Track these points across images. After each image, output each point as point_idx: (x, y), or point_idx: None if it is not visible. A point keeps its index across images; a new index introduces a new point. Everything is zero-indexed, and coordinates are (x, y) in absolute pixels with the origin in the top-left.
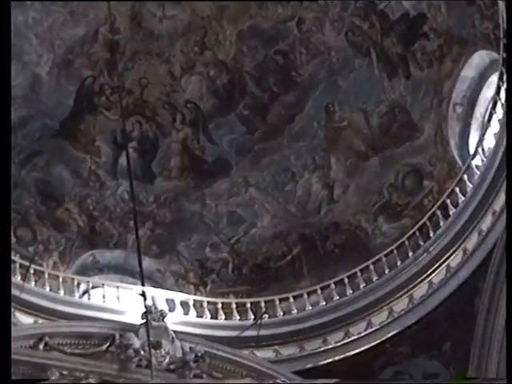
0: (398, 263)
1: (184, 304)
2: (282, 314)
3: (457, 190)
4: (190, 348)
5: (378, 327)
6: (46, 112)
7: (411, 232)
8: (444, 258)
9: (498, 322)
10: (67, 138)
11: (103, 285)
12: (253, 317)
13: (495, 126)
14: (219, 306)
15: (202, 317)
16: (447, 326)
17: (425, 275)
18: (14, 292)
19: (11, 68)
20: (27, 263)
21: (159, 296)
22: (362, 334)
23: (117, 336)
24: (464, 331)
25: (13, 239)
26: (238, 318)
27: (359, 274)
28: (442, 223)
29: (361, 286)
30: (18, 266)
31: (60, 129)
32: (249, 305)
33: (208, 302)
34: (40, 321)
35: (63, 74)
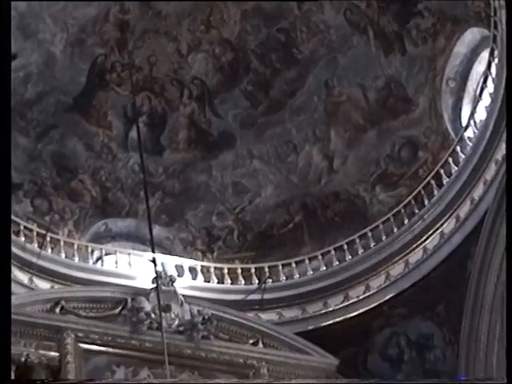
0: (395, 230)
1: (192, 269)
2: (284, 278)
3: (450, 160)
4: (198, 311)
5: (375, 291)
6: (60, 88)
7: (407, 200)
8: (438, 225)
9: (488, 285)
10: (80, 113)
11: (115, 252)
12: (257, 281)
13: (486, 100)
14: (225, 271)
15: (209, 281)
16: (441, 288)
17: (420, 241)
18: (32, 259)
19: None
20: (44, 232)
21: (168, 262)
22: (361, 297)
23: (129, 300)
24: (457, 294)
25: (30, 209)
26: (243, 282)
27: (358, 240)
28: (435, 192)
29: (359, 252)
30: (35, 234)
31: (74, 104)
32: (253, 270)
33: (215, 268)
34: (56, 286)
35: (76, 52)
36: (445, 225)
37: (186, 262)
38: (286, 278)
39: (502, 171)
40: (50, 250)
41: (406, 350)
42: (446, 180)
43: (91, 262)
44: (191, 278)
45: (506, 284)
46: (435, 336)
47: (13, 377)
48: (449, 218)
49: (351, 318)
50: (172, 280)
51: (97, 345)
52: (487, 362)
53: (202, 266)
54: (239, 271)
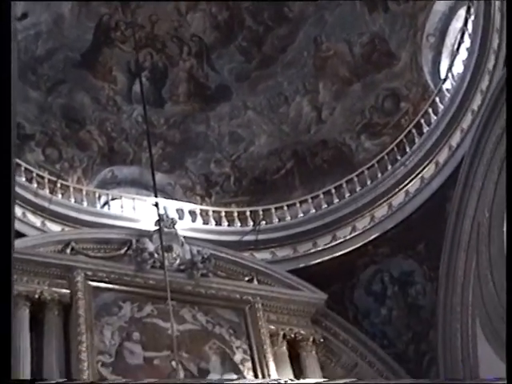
0: (379, 175)
1: (192, 213)
2: (277, 220)
3: (429, 110)
4: (198, 251)
5: (361, 231)
6: (68, 45)
7: (390, 148)
8: (418, 170)
9: (465, 225)
10: (87, 69)
11: (121, 197)
12: (252, 223)
13: (463, 54)
14: (222, 214)
15: (207, 224)
16: (421, 229)
17: (402, 185)
18: (44, 203)
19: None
20: (54, 179)
21: (170, 206)
22: (347, 238)
23: (133, 241)
24: (436, 233)
25: (41, 158)
26: (239, 224)
27: (344, 185)
28: (416, 140)
29: (346, 196)
30: (46, 181)
31: (81, 60)
32: (248, 213)
33: (213, 211)
34: (66, 228)
35: (83, 11)
36: (425, 170)
37: (186, 206)
38: (279, 220)
39: (478, 120)
40: (60, 196)
41: (389, 285)
42: (426, 129)
43: (99, 206)
44: (191, 221)
45: (506, 284)
46: (416, 273)
47: (27, 313)
48: (428, 163)
49: (338, 256)
50: (173, 222)
51: (104, 282)
52: (463, 296)
53: (200, 210)
54: (235, 214)
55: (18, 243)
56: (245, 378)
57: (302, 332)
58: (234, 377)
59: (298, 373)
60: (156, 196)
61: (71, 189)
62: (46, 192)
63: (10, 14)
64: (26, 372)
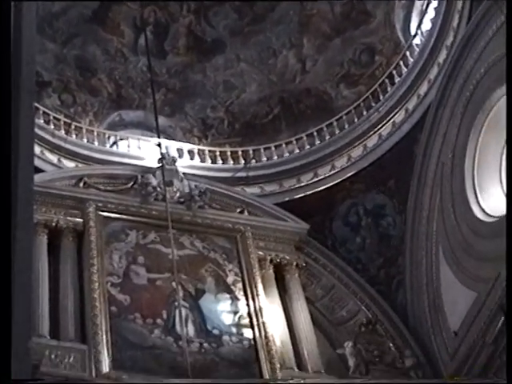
0: (355, 120)
1: (190, 152)
2: (265, 159)
3: (401, 63)
4: (195, 185)
5: (339, 169)
6: (81, 3)
7: (365, 96)
8: (390, 116)
9: (430, 165)
10: (98, 24)
11: (128, 137)
12: (243, 161)
13: (431, 13)
14: (217, 153)
15: (204, 162)
16: (392, 167)
17: (375, 129)
18: (60, 143)
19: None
20: (69, 121)
21: (171, 146)
22: (327, 175)
23: (139, 176)
24: (405, 172)
25: (58, 102)
26: (231, 162)
27: (325, 128)
28: (389, 89)
29: (326, 138)
30: (62, 123)
31: (93, 16)
32: (240, 152)
33: (209, 151)
34: (80, 165)
35: None
36: (396, 116)
37: (185, 146)
38: (267, 159)
39: (443, 72)
40: (74, 136)
41: (363, 217)
42: (397, 79)
43: (108, 145)
44: (189, 159)
45: (505, 284)
46: (387, 206)
47: (46, 239)
48: (399, 110)
49: (319, 191)
50: (174, 160)
51: (113, 212)
52: (428, 227)
53: (198, 149)
54: (228, 153)
55: (37, 178)
56: (237, 298)
57: (287, 257)
58: (227, 296)
59: (283, 293)
60: (159, 137)
61: (84, 130)
62: (62, 133)
63: (9, 14)
64: (44, 291)
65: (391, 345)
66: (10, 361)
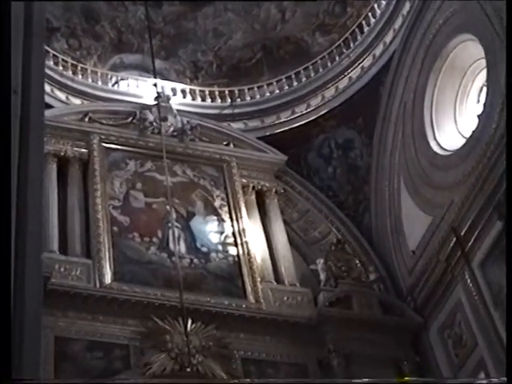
0: (329, 64)
1: (183, 91)
2: (249, 98)
3: (369, 14)
4: (187, 121)
5: (314, 108)
6: None
7: (338, 43)
8: (360, 61)
9: (394, 104)
10: None
11: (128, 78)
12: (229, 100)
13: None
14: (207, 92)
15: (195, 100)
16: (361, 106)
17: (346, 72)
18: (67, 82)
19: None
20: (76, 63)
21: (166, 86)
22: (303, 112)
23: (137, 112)
24: (372, 110)
25: (65, 46)
26: (219, 101)
27: (302, 71)
28: (358, 37)
29: (303, 80)
30: (69, 64)
31: None
32: (227, 92)
33: (199, 90)
34: (85, 102)
35: None
36: (364, 61)
37: (178, 86)
38: (250, 98)
39: (406, 22)
40: (80, 76)
41: (334, 150)
42: (366, 28)
43: (110, 85)
44: (182, 97)
45: (506, 285)
46: (356, 140)
47: (55, 168)
48: (367, 56)
49: (296, 127)
50: (168, 98)
51: (114, 144)
52: (391, 159)
53: (189, 89)
54: (217, 93)
55: (47, 113)
56: (223, 219)
57: (267, 185)
58: (214, 218)
59: (263, 216)
60: (155, 77)
61: (89, 71)
62: (69, 73)
63: (9, 14)
64: (53, 213)
65: (357, 261)
66: (10, 361)
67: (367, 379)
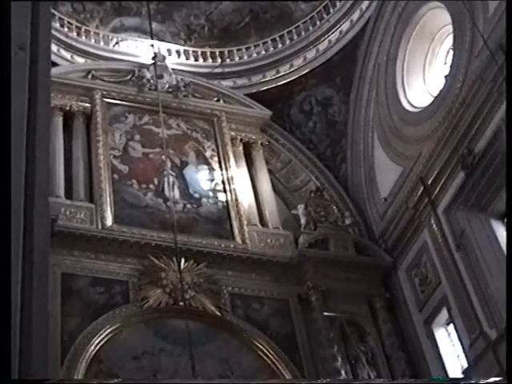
0: (310, 28)
1: (177, 52)
2: (237, 58)
3: None
4: (181, 79)
5: (296, 68)
6: None
7: (318, 9)
8: (338, 25)
9: (369, 65)
10: None
11: (127, 39)
12: (220, 60)
13: None
14: (199, 53)
15: (188, 59)
16: (339, 67)
17: (326, 36)
18: (72, 42)
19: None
20: (80, 25)
21: (162, 47)
22: (287, 72)
23: (136, 71)
24: (349, 70)
25: (70, 9)
26: (210, 60)
27: (286, 34)
28: (337, 4)
29: (286, 42)
30: (74, 26)
31: None
32: (217, 53)
33: (192, 51)
34: (88, 61)
35: None
36: (343, 25)
37: (173, 47)
38: (239, 58)
39: None
40: (84, 37)
41: (315, 106)
42: None
43: (111, 45)
44: (177, 57)
45: (506, 284)
46: (334, 98)
47: (61, 121)
48: (345, 21)
49: (280, 85)
50: (164, 58)
51: (115, 99)
52: (366, 115)
53: (183, 50)
54: (208, 53)
55: (53, 71)
56: (213, 168)
57: (253, 137)
58: (205, 167)
59: (250, 165)
60: (152, 39)
61: (92, 32)
62: (74, 34)
63: (9, 14)
64: (59, 161)
65: (334, 207)
66: (10, 361)
67: (368, 379)
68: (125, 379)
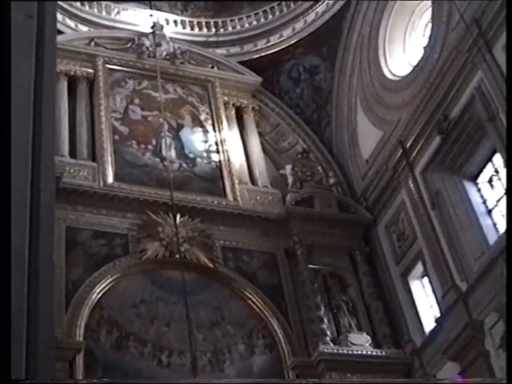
0: (299, 1)
1: (175, 21)
2: (231, 28)
3: None
4: (178, 47)
5: (285, 37)
6: None
7: None
8: None
9: (353, 36)
10: None
11: (128, 9)
12: (214, 30)
13: None
14: (195, 23)
15: (185, 29)
16: (325, 38)
17: (314, 8)
18: (76, 12)
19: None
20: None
21: (160, 16)
22: (277, 41)
23: (136, 39)
24: (335, 41)
25: None
26: (205, 30)
27: (276, 6)
28: None
29: (276, 14)
30: None
31: None
32: (212, 23)
33: (189, 21)
34: (91, 29)
35: None
36: None
37: (171, 17)
38: (232, 28)
39: None
40: (87, 7)
41: (302, 73)
42: None
43: (113, 14)
44: (174, 27)
45: (506, 283)
46: (320, 66)
47: (66, 85)
48: None
49: (270, 53)
50: (162, 27)
51: (116, 65)
52: (350, 82)
53: (180, 20)
54: (204, 23)
55: (59, 38)
56: (207, 131)
57: (245, 102)
58: (200, 129)
59: (241, 128)
60: (151, 9)
61: (95, 2)
62: (78, 4)
63: (9, 14)
64: (64, 123)
65: (319, 168)
66: (10, 361)
67: (368, 379)
68: (124, 379)
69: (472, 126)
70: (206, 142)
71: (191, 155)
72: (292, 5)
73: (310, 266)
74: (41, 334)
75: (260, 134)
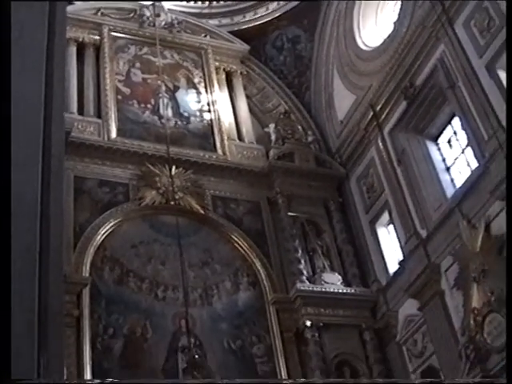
0: None
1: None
2: (222, 1)
3: None
4: (175, 17)
5: (271, 10)
6: None
7: None
8: None
9: (331, 11)
10: None
11: None
12: (207, 2)
13: None
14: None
15: (181, 1)
16: (306, 10)
17: None
18: None
19: None
20: None
21: None
22: (263, 14)
23: (137, 9)
24: (315, 14)
25: None
26: (200, 3)
27: None
28: None
29: None
30: None
31: None
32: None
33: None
34: (99, 0)
35: None
36: None
37: None
38: (224, 1)
39: None
40: None
41: (285, 43)
42: None
43: None
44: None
45: (506, 283)
46: (302, 36)
47: (75, 50)
48: None
49: (257, 24)
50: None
51: (120, 33)
52: (328, 51)
53: None
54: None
55: (69, 8)
56: (200, 92)
57: (234, 67)
58: (194, 91)
59: (230, 91)
60: None
61: None
62: None
63: (10, 14)
64: (73, 85)
65: (299, 127)
66: (10, 361)
67: (369, 379)
68: (124, 379)
69: (434, 92)
70: (199, 102)
71: (186, 114)
72: None
73: (290, 214)
74: (51, 270)
75: (247, 96)
